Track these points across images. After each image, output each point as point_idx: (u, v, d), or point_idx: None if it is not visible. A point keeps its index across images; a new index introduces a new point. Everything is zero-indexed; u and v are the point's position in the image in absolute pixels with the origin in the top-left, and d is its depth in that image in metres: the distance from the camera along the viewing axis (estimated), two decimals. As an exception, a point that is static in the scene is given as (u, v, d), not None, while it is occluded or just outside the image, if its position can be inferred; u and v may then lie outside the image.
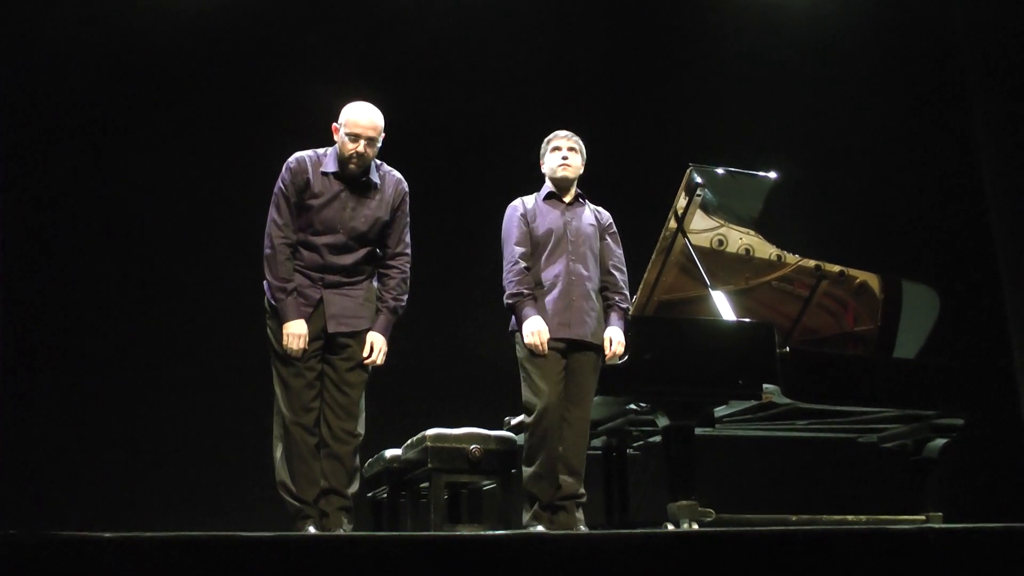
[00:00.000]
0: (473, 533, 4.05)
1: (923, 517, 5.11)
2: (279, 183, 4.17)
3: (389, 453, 4.99)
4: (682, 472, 4.46)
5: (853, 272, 5.38)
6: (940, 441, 5.34)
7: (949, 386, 5.20)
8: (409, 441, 4.79)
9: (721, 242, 5.20)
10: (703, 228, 5.13)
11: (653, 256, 4.99)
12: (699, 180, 4.94)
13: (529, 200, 4.60)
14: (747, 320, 4.76)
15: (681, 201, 4.98)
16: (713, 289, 4.82)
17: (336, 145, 4.20)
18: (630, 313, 4.60)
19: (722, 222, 5.16)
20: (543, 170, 4.65)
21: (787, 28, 7.90)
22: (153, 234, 6.75)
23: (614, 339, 4.42)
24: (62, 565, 2.48)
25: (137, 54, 6.87)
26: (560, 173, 4.56)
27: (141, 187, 6.74)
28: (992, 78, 7.69)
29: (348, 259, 4.16)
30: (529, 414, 4.35)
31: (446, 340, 6.95)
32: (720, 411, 4.69)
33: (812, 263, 5.30)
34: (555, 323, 4.37)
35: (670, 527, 4.37)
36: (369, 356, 4.16)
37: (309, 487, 4.06)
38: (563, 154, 4.57)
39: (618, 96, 7.78)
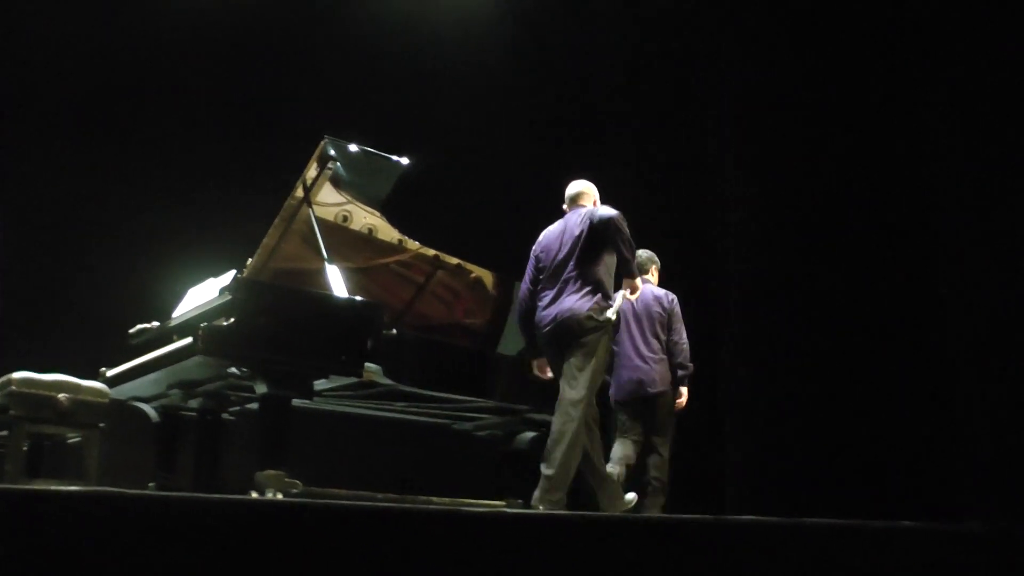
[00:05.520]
0: (45, 488, 3.80)
1: (503, 502, 5.40)
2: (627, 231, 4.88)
3: (-36, 396, 4.59)
4: (274, 441, 4.41)
5: (469, 266, 5.57)
6: (530, 434, 5.68)
7: (541, 384, 5.52)
8: (-10, 383, 4.44)
9: (346, 218, 5.22)
10: (330, 202, 5.13)
11: (276, 221, 4.94)
12: (332, 153, 4.94)
13: None
14: (357, 298, 4.78)
15: (311, 171, 4.95)
16: (330, 263, 4.82)
17: None
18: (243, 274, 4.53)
19: (349, 199, 5.18)
20: None
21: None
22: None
23: None
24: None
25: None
26: None
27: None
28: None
29: None
30: None
31: (52, 281, 6.61)
32: (320, 385, 4.69)
33: (432, 252, 5.43)
34: None
35: (254, 495, 4.32)
36: None
37: None
38: None
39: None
